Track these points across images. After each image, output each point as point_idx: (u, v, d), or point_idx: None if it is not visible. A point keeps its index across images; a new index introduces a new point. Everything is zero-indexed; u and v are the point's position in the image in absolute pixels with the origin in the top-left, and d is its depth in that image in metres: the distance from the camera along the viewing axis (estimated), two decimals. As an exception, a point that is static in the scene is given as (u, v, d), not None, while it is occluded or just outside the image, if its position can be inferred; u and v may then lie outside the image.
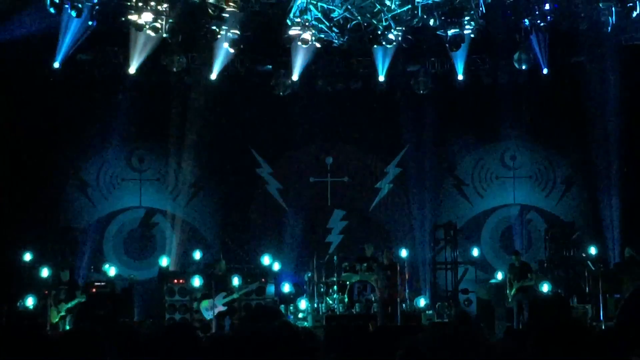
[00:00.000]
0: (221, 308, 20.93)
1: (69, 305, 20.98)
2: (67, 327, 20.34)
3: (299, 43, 22.38)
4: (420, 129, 26.33)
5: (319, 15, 22.01)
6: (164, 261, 24.02)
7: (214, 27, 22.68)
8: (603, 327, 19.68)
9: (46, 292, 21.35)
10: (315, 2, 21.36)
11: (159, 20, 21.64)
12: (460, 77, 24.43)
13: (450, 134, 26.57)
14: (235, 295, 21.27)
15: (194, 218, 26.37)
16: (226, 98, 25.50)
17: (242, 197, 26.92)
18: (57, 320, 20.63)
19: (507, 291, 22.02)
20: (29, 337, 5.86)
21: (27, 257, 22.90)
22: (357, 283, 22.85)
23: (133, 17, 21.18)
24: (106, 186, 26.10)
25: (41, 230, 24.08)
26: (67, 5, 20.20)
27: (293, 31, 22.00)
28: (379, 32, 22.17)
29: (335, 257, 23.98)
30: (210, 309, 20.88)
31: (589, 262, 22.33)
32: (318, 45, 22.94)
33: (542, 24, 22.29)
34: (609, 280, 21.46)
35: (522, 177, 26.74)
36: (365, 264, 23.30)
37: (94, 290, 22.50)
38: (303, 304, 22.93)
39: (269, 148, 27.01)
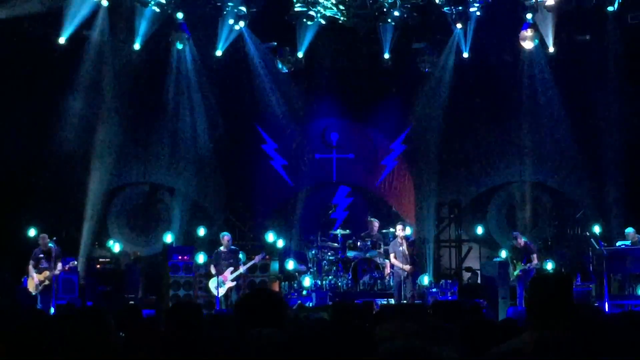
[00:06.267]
0: (231, 284, 20.96)
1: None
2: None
3: (305, 20, 22.36)
4: (425, 107, 26.32)
5: (325, -8, 21.98)
6: (168, 237, 24.03)
7: (219, 4, 22.70)
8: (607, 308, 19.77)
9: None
10: (321, -21, 21.32)
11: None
12: (465, 54, 24.38)
13: (456, 112, 26.41)
14: (241, 270, 21.26)
15: (199, 194, 26.34)
16: (231, 74, 25.46)
17: (247, 173, 26.91)
18: (37, 291, 20.35)
19: (510, 270, 22.05)
20: (32, 315, 5.88)
21: (32, 232, 22.95)
22: (362, 261, 22.86)
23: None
24: (111, 161, 25.94)
25: (45, 206, 24.06)
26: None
27: (298, 8, 21.97)
28: (385, 10, 22.14)
29: (340, 234, 23.99)
30: (218, 286, 20.86)
31: (592, 241, 22.30)
32: (323, 22, 22.93)
33: (547, 2, 22.25)
34: (613, 259, 21.41)
35: (529, 154, 26.60)
36: (369, 241, 23.34)
37: (98, 266, 22.56)
38: (307, 281, 22.94)
39: (274, 124, 26.97)
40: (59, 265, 20.51)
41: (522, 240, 22.30)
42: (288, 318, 6.22)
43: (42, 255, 20.46)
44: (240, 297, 9.65)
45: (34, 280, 20.36)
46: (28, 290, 20.50)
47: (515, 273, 21.81)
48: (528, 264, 21.74)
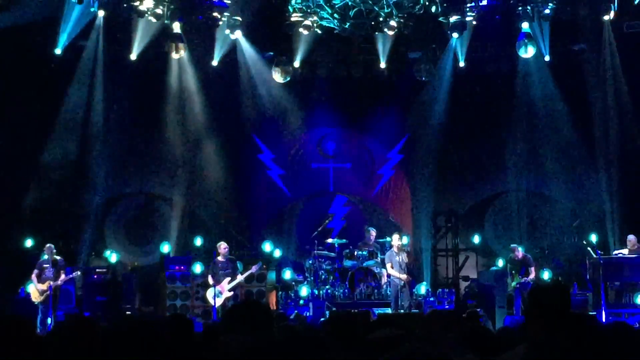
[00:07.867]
0: (228, 294, 20.89)
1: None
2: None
3: (301, 29, 22.38)
4: (422, 116, 26.34)
5: (321, 1, 22.01)
6: (165, 247, 24.03)
7: (215, 14, 22.71)
8: (603, 317, 19.76)
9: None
10: (317, -11, 21.36)
11: (161, 7, 21.66)
12: (461, 63, 24.40)
13: (453, 120, 26.35)
14: (239, 280, 21.21)
15: (195, 204, 26.32)
16: (228, 84, 25.46)
17: (244, 183, 26.88)
18: (39, 300, 20.23)
19: (509, 281, 22.04)
20: (26, 327, 5.85)
21: (29, 243, 22.94)
22: (359, 270, 22.85)
23: (135, 4, 21.20)
24: (108, 171, 25.85)
25: (42, 216, 24.03)
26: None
27: (295, 17, 22.00)
28: (381, 19, 22.19)
29: (337, 244, 23.98)
30: (215, 296, 20.80)
31: (589, 249, 22.28)
32: (320, 31, 22.96)
33: (544, 11, 22.30)
34: (609, 267, 21.38)
35: (525, 163, 26.54)
36: (366, 250, 23.33)
37: (95, 276, 22.50)
38: (304, 290, 22.93)
39: (271, 134, 26.97)
40: (62, 276, 20.45)
41: (520, 253, 22.21)
42: (277, 327, 6.22)
43: (46, 265, 20.39)
44: (227, 309, 9.62)
45: (37, 289, 20.27)
46: (29, 300, 20.40)
47: (513, 284, 21.77)
48: (525, 278, 21.69)
